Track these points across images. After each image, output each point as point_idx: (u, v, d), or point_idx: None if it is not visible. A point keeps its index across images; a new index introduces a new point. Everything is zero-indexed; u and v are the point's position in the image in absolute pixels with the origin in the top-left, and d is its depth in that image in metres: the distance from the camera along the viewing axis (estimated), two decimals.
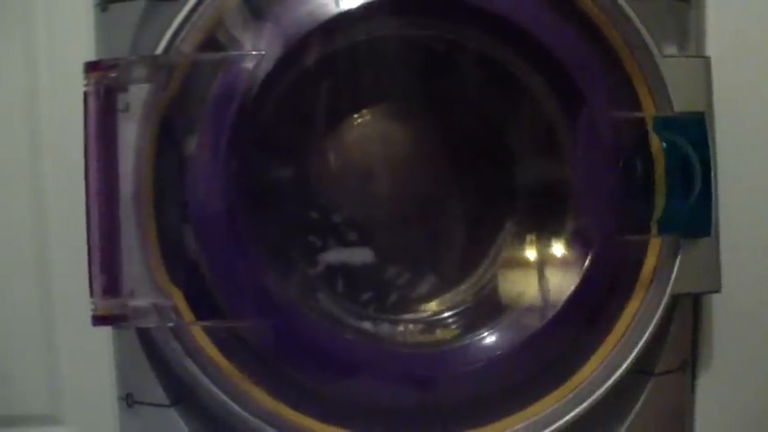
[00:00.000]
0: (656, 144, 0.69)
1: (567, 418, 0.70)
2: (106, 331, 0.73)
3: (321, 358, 0.70)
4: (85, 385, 0.76)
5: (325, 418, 0.70)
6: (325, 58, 0.70)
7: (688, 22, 0.74)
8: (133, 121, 0.66)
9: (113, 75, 0.65)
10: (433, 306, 0.80)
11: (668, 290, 0.71)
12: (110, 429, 0.74)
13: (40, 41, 0.74)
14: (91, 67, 0.65)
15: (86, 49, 0.71)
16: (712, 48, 0.75)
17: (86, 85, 0.65)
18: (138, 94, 0.66)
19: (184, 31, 0.67)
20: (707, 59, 0.72)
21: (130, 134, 0.66)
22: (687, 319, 0.75)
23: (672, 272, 0.71)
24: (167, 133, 0.67)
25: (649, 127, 0.70)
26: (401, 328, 0.79)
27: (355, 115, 0.80)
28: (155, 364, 0.70)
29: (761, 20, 0.76)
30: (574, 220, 0.74)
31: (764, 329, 0.77)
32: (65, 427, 0.77)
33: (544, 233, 0.78)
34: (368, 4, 0.67)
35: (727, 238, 0.72)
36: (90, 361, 0.75)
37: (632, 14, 0.69)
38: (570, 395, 0.71)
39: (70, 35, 0.73)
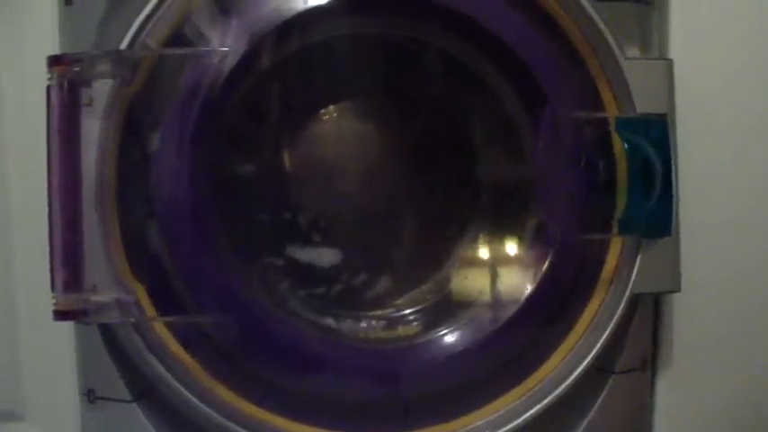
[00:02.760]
0: (618, 145, 0.70)
1: (527, 415, 0.71)
2: (68, 326, 0.73)
3: (284, 354, 0.70)
4: (47, 381, 0.75)
5: (288, 413, 0.70)
6: (291, 54, 0.70)
7: (651, 24, 0.75)
8: (97, 115, 0.65)
9: (77, 69, 0.65)
10: (395, 303, 0.81)
11: (628, 289, 0.72)
12: (72, 425, 0.74)
13: (3, 34, 0.73)
14: (54, 61, 0.65)
15: (50, 43, 0.71)
16: (675, 50, 0.75)
17: (50, 80, 0.65)
18: (101, 89, 0.65)
19: (150, 26, 0.66)
20: (669, 62, 0.73)
21: (94, 129, 0.65)
22: (647, 319, 0.76)
23: (632, 271, 0.72)
24: (132, 128, 0.67)
25: (612, 127, 0.70)
26: (363, 324, 0.79)
27: (321, 112, 0.80)
28: (117, 359, 0.70)
29: (723, 23, 0.76)
30: (535, 219, 0.75)
31: (723, 329, 0.78)
32: (26, 424, 0.76)
33: (506, 232, 0.78)
34: (333, 1, 0.67)
35: (687, 239, 0.73)
36: (52, 356, 0.74)
37: (595, 16, 0.70)
38: (530, 392, 0.71)
39: (34, 28, 0.72)
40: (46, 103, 0.65)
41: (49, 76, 0.65)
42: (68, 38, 0.70)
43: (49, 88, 0.65)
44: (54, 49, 0.70)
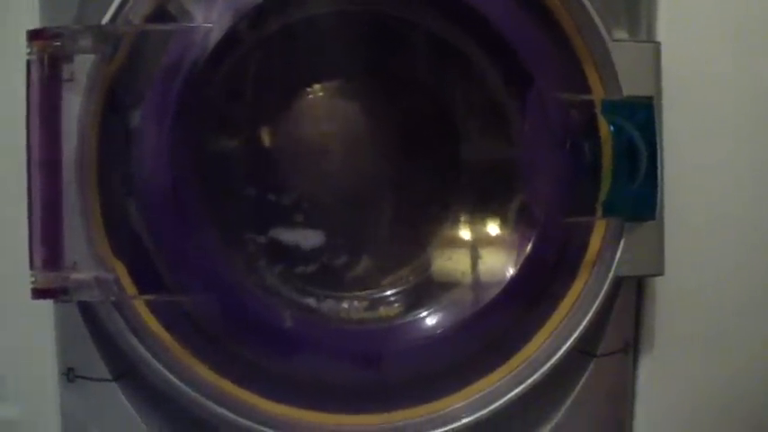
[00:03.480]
0: (604, 127, 0.70)
1: (509, 396, 0.70)
2: (47, 305, 0.72)
3: (265, 334, 0.70)
4: (26, 360, 0.74)
5: (269, 394, 0.70)
6: (275, 31, 0.70)
7: (639, 6, 0.74)
8: (78, 91, 0.64)
9: (57, 44, 0.63)
10: (377, 284, 0.80)
11: (612, 272, 0.71)
12: (51, 404, 0.73)
13: None
14: (34, 35, 0.63)
15: (30, 17, 0.69)
16: (663, 33, 0.75)
17: (29, 54, 0.64)
18: (83, 64, 0.64)
19: (133, 0, 0.65)
20: (657, 45, 0.72)
21: (75, 104, 0.64)
22: (630, 302, 0.76)
23: (616, 254, 0.71)
24: (113, 104, 0.66)
25: (597, 110, 0.70)
26: (345, 305, 0.79)
27: (305, 90, 0.79)
28: (97, 338, 0.69)
29: (711, 7, 0.76)
30: (519, 201, 0.75)
31: (706, 313, 0.78)
32: (5, 404, 0.76)
33: (489, 213, 0.78)
34: None
35: (671, 223, 0.73)
36: (30, 335, 0.73)
37: None
38: (512, 374, 0.71)
39: (13, 2, 0.71)
40: (26, 78, 0.64)
41: (28, 50, 0.64)
42: (49, 12, 0.69)
43: (28, 63, 0.64)
44: (34, 23, 0.69)
